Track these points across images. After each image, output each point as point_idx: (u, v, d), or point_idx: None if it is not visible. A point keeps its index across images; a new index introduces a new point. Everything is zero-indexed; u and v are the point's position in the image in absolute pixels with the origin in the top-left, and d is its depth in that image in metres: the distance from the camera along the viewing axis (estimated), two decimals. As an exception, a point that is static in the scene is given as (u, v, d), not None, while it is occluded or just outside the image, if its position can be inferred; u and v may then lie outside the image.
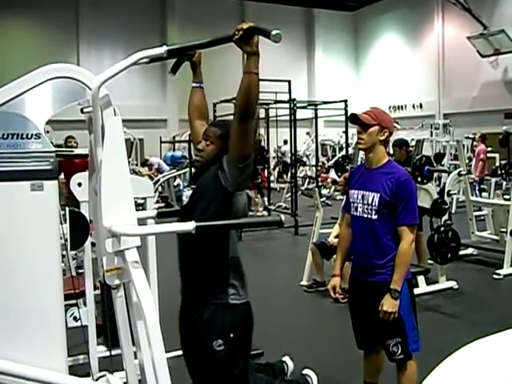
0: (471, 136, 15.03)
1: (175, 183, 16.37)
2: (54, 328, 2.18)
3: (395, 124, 13.48)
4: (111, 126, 2.28)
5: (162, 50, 2.41)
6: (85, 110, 2.40)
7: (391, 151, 6.91)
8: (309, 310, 6.24)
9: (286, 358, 3.49)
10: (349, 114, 11.66)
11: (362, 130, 3.26)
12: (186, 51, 2.76)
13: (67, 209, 3.52)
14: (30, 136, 2.19)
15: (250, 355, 2.93)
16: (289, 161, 14.03)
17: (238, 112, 2.62)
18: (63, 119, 4.31)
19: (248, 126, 2.60)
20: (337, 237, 6.14)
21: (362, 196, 3.26)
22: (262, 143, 14.79)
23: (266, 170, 14.03)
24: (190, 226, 2.23)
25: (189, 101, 3.12)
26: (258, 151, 12.46)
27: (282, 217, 2.45)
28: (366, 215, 3.24)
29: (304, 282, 6.91)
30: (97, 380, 2.50)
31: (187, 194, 3.05)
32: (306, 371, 3.44)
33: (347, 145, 12.72)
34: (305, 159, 18.10)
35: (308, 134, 19.91)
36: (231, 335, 2.74)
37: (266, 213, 12.73)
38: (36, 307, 2.14)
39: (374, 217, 3.20)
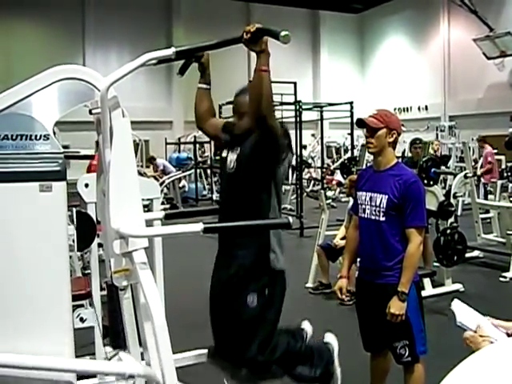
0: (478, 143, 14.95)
1: (180, 185, 16.38)
2: (62, 328, 2.19)
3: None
4: (120, 127, 2.28)
5: (171, 51, 2.42)
6: (93, 112, 2.41)
7: (399, 153, 6.90)
8: (314, 312, 6.22)
9: (306, 324, 3.46)
10: (354, 115, 11.63)
11: (369, 134, 3.25)
12: (194, 53, 2.77)
13: (74, 210, 3.54)
14: (38, 137, 2.20)
15: (279, 318, 2.94)
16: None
17: (254, 111, 2.64)
18: (69, 120, 4.32)
19: (269, 124, 2.62)
20: (343, 239, 6.14)
21: (370, 198, 3.26)
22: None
23: None
24: (198, 227, 2.24)
25: (197, 102, 3.12)
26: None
27: (290, 219, 2.44)
28: (373, 217, 3.23)
29: (309, 284, 6.90)
30: (110, 359, 2.51)
31: (231, 157, 3.01)
32: (327, 337, 3.39)
33: (353, 147, 12.70)
34: (310, 161, 18.08)
35: (313, 135, 19.89)
36: (266, 292, 2.78)
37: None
38: (44, 307, 2.15)
39: (382, 219, 3.19)
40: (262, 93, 2.55)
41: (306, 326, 3.40)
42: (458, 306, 1.50)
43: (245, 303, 2.75)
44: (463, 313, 1.46)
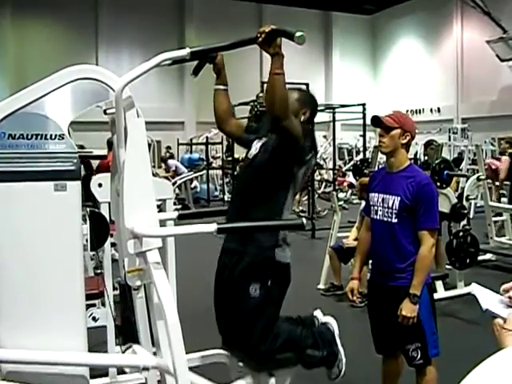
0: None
1: (192, 185, 16.42)
2: (76, 326, 2.20)
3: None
4: (134, 127, 2.30)
5: (185, 52, 2.43)
6: (108, 112, 2.42)
7: (411, 155, 6.87)
8: (326, 314, 6.20)
9: (318, 312, 3.45)
10: (367, 117, 11.56)
11: (383, 132, 3.24)
12: (208, 53, 2.77)
13: (88, 209, 3.55)
14: (53, 137, 2.22)
15: (279, 310, 2.93)
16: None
17: (271, 113, 2.67)
18: (80, 120, 4.36)
19: (285, 125, 2.66)
20: (355, 240, 6.13)
21: (383, 199, 3.24)
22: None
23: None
24: (211, 227, 2.24)
25: (216, 104, 3.11)
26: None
27: (304, 220, 2.44)
28: (386, 219, 3.22)
29: (321, 286, 6.89)
30: (124, 352, 2.52)
31: (256, 145, 3.05)
32: (326, 318, 3.38)
33: (365, 148, 12.66)
34: (321, 163, 18.05)
35: (325, 137, 19.87)
36: (269, 282, 2.77)
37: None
38: (58, 306, 2.16)
39: (394, 220, 3.18)
40: (275, 96, 2.56)
41: (318, 315, 3.38)
42: (478, 290, 1.46)
43: (247, 293, 2.75)
44: (486, 297, 1.42)
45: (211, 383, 2.74)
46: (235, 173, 13.65)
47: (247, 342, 2.83)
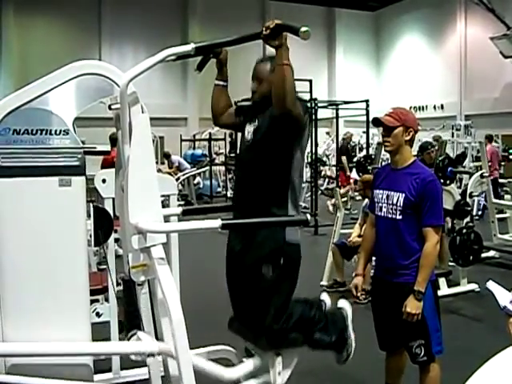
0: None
1: (195, 181, 16.42)
2: (80, 320, 2.21)
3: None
4: (139, 122, 2.29)
5: (190, 47, 2.43)
6: (112, 107, 2.42)
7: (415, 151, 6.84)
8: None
9: (324, 296, 3.44)
10: (370, 114, 11.47)
11: (386, 132, 3.23)
12: (213, 48, 2.77)
13: (91, 205, 3.55)
14: (58, 132, 2.22)
15: (294, 288, 2.94)
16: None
17: (281, 108, 2.64)
18: (83, 116, 4.36)
19: (294, 115, 2.65)
20: (359, 237, 6.13)
21: (387, 196, 3.24)
22: None
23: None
24: (216, 223, 2.24)
25: (214, 100, 3.11)
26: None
27: (308, 216, 2.44)
28: (390, 215, 3.21)
29: (324, 282, 6.88)
30: (129, 339, 2.52)
31: (249, 129, 3.04)
32: (341, 303, 3.37)
33: (368, 145, 12.65)
34: (324, 159, 18.01)
35: (328, 133, 19.83)
36: (281, 261, 2.77)
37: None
38: (63, 300, 2.17)
39: (399, 217, 3.17)
40: (285, 87, 2.54)
41: (325, 298, 3.38)
42: (494, 287, 1.45)
43: (260, 274, 2.74)
44: (503, 296, 1.41)
45: (215, 365, 2.72)
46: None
47: (261, 321, 2.81)
